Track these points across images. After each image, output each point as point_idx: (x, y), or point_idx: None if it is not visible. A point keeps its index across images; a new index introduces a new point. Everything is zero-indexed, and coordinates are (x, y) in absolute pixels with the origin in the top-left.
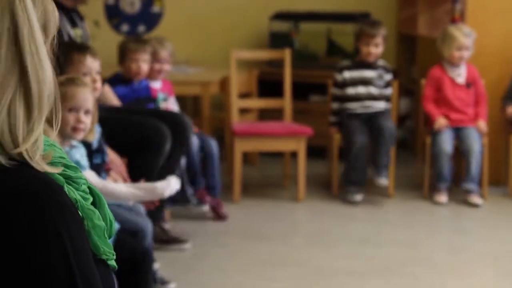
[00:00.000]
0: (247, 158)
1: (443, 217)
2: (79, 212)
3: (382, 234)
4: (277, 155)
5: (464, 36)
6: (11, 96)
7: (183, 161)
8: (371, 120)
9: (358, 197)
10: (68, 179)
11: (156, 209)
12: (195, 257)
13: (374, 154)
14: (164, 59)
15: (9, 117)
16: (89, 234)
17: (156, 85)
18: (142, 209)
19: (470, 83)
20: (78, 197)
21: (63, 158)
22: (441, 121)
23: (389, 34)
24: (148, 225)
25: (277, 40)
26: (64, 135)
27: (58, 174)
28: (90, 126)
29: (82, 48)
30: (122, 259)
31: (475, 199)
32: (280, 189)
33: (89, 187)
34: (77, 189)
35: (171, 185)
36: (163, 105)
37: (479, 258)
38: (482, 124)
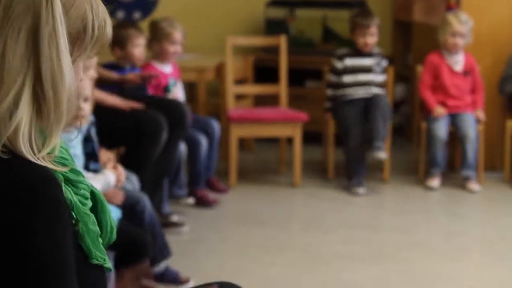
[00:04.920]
0: (243, 144)
1: (439, 202)
2: (74, 214)
3: (377, 219)
4: (273, 141)
5: (459, 23)
6: (19, 94)
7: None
8: (367, 104)
9: (362, 190)
10: (68, 181)
11: (154, 194)
12: (191, 242)
13: (371, 127)
14: (178, 41)
15: (14, 114)
16: (82, 237)
17: (167, 69)
18: (137, 182)
19: (467, 71)
20: (75, 200)
21: (66, 159)
22: (439, 111)
23: (384, 20)
24: (144, 196)
25: (273, 27)
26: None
27: (58, 172)
28: (88, 113)
29: None
30: (121, 246)
31: (473, 185)
32: (276, 174)
33: (92, 192)
34: (75, 192)
35: (107, 178)
36: (173, 90)
37: (474, 243)
38: (480, 113)
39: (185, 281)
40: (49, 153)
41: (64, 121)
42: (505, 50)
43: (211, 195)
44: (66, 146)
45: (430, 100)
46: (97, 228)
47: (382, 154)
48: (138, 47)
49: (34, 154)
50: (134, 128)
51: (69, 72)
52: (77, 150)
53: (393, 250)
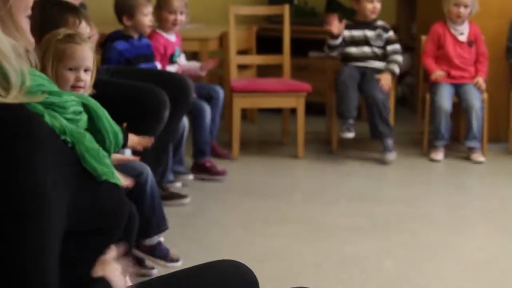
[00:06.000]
0: (245, 114)
1: (443, 174)
2: (67, 138)
3: (381, 191)
4: (276, 112)
5: None
6: None
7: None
8: (366, 75)
9: (350, 134)
10: (51, 105)
11: (155, 167)
12: (194, 214)
13: (373, 127)
14: (177, 10)
15: None
16: (84, 158)
17: (172, 38)
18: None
19: (472, 42)
20: (64, 123)
21: (42, 85)
22: (438, 73)
23: None
24: (147, 168)
25: None
26: None
27: (38, 103)
28: (89, 83)
29: (78, 12)
30: None
31: (478, 156)
32: (279, 146)
33: (84, 104)
34: (63, 114)
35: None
36: (178, 61)
37: (478, 215)
38: (481, 80)
39: (175, 260)
40: (21, 86)
41: (12, 53)
42: (509, 20)
43: (219, 165)
44: (35, 72)
45: (431, 66)
46: (96, 145)
47: (391, 156)
48: (147, 16)
49: (3, 97)
50: (136, 105)
51: None
52: None
53: (396, 222)
